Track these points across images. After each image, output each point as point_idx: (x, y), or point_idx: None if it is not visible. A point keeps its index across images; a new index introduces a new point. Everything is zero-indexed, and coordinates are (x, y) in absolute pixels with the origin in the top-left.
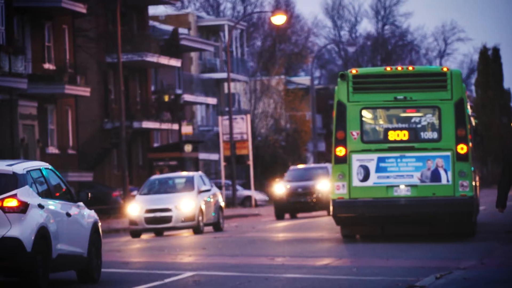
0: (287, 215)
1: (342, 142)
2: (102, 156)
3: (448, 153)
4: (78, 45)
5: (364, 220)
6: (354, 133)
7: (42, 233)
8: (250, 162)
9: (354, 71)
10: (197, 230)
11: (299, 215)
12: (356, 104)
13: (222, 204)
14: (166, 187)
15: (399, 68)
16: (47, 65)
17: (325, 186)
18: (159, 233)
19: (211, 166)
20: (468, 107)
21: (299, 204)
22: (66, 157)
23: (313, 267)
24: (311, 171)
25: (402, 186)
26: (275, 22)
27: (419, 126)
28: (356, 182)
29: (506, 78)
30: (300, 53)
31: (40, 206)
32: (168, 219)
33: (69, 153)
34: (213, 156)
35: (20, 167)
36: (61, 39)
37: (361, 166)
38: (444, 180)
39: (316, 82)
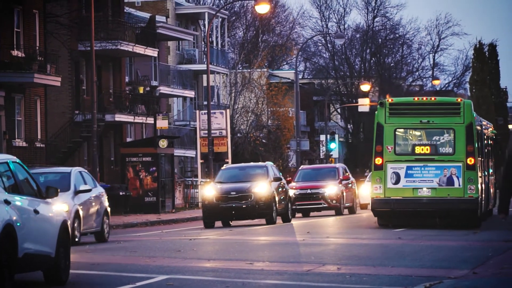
0: (218, 223)
1: (380, 154)
2: (72, 150)
3: (460, 164)
4: (49, 32)
5: (395, 213)
6: (389, 147)
7: (8, 230)
8: (229, 160)
9: (390, 100)
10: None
11: (233, 223)
12: (391, 125)
13: (108, 208)
14: None
15: (424, 98)
16: (15, 52)
17: (263, 188)
18: None
19: (187, 163)
20: (478, 127)
21: (232, 209)
22: (33, 151)
23: (295, 273)
24: (247, 171)
25: (424, 188)
26: (259, 11)
27: (438, 143)
28: (389, 185)
29: (503, 77)
30: (285, 44)
31: (6, 202)
32: None
33: (37, 146)
34: (190, 153)
35: None
36: (31, 25)
37: (394, 172)
38: (456, 185)
39: (300, 76)
